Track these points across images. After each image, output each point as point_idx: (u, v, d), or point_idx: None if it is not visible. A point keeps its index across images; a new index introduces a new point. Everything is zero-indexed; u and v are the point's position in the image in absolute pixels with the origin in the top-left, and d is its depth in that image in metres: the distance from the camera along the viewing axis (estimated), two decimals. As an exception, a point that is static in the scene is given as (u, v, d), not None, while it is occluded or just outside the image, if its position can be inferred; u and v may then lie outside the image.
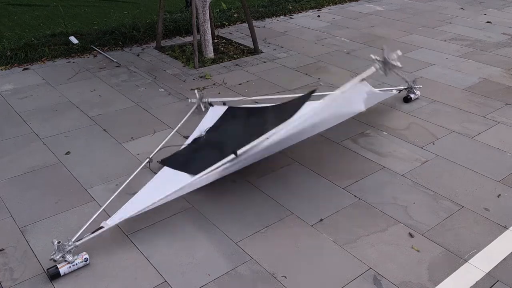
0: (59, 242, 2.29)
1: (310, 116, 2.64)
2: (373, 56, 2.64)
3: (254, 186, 3.00)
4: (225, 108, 3.68)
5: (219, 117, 3.59)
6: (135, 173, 2.99)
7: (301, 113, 2.72)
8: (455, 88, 4.43)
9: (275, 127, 2.65)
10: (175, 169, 2.98)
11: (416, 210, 2.79)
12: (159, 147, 3.33)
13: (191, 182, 2.60)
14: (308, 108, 2.74)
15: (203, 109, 3.82)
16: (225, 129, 3.40)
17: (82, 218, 2.72)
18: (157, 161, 3.15)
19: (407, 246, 2.52)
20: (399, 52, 2.56)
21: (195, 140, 3.36)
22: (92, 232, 2.42)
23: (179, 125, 3.62)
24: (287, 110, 3.07)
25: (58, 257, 2.28)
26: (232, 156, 2.61)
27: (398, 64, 2.55)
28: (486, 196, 2.92)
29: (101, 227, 2.44)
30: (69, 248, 2.32)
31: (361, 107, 3.18)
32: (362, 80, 2.69)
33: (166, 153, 3.26)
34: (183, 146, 3.33)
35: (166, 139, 3.43)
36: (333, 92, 2.65)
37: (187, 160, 3.08)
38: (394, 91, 3.84)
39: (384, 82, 4.51)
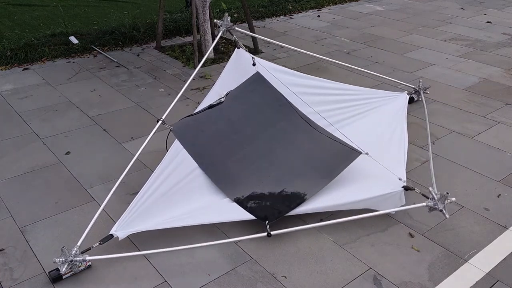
0: (71, 261, 2.26)
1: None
2: (431, 190, 2.51)
3: (254, 186, 2.99)
4: (253, 69, 3.27)
5: (244, 78, 3.21)
6: (149, 138, 2.97)
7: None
8: (455, 88, 4.43)
9: (309, 192, 2.65)
10: (186, 150, 2.78)
11: (416, 210, 2.78)
12: (171, 106, 3.14)
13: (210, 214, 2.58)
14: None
15: (224, 32, 3.38)
16: (248, 120, 3.03)
17: (82, 218, 2.72)
18: (170, 129, 2.91)
19: (407, 246, 2.52)
20: (454, 199, 2.46)
21: (212, 106, 3.04)
22: (102, 242, 2.37)
23: (202, 61, 3.26)
24: (326, 160, 2.82)
25: (64, 270, 2.26)
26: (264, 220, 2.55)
27: (447, 215, 2.45)
28: (486, 196, 2.92)
29: (111, 236, 2.38)
30: (78, 262, 2.30)
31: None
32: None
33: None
34: (199, 108, 3.08)
35: (176, 99, 3.23)
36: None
37: (201, 143, 2.86)
38: (405, 97, 3.83)
39: (385, 82, 4.51)
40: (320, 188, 2.67)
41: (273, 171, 2.80)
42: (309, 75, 3.53)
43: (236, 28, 3.40)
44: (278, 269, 2.38)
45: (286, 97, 3.17)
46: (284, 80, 3.36)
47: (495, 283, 2.29)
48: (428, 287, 2.27)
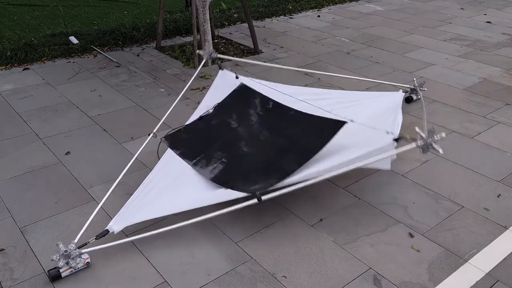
0: (66, 251, 2.26)
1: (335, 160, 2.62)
2: (417, 130, 2.47)
3: (254, 186, 2.99)
4: (237, 82, 3.40)
5: (229, 91, 3.35)
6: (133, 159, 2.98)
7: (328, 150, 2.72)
8: (455, 88, 4.43)
9: (298, 162, 2.66)
10: (179, 155, 2.89)
11: (416, 210, 2.78)
12: (161, 120, 3.21)
13: (202, 199, 2.59)
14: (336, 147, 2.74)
15: (209, 62, 3.51)
16: (237, 121, 3.17)
17: (82, 218, 2.72)
18: (161, 139, 3.03)
19: (407, 246, 2.52)
20: (444, 134, 2.43)
21: (201, 117, 3.20)
22: (97, 237, 2.38)
23: (183, 91, 3.40)
24: (313, 135, 2.87)
25: (61, 263, 2.26)
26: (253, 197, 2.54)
27: (440, 150, 2.41)
28: (486, 196, 2.92)
29: (107, 231, 2.40)
30: (74, 255, 2.30)
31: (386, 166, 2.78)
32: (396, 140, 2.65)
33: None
34: (189, 121, 3.20)
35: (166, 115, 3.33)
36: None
37: (193, 147, 2.97)
38: (400, 94, 3.80)
39: (387, 80, 4.51)
40: (309, 157, 2.69)
41: (262, 156, 2.88)
42: (296, 86, 3.57)
43: (219, 55, 3.61)
44: (278, 269, 2.38)
45: (274, 99, 3.24)
46: (270, 91, 3.41)
47: (495, 283, 2.29)
48: (428, 287, 2.27)
